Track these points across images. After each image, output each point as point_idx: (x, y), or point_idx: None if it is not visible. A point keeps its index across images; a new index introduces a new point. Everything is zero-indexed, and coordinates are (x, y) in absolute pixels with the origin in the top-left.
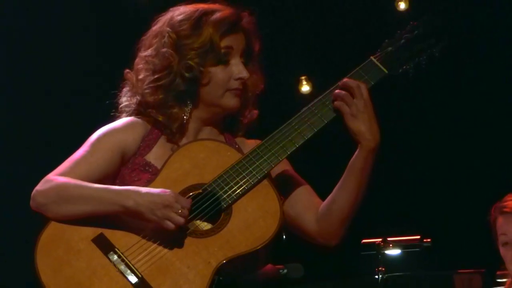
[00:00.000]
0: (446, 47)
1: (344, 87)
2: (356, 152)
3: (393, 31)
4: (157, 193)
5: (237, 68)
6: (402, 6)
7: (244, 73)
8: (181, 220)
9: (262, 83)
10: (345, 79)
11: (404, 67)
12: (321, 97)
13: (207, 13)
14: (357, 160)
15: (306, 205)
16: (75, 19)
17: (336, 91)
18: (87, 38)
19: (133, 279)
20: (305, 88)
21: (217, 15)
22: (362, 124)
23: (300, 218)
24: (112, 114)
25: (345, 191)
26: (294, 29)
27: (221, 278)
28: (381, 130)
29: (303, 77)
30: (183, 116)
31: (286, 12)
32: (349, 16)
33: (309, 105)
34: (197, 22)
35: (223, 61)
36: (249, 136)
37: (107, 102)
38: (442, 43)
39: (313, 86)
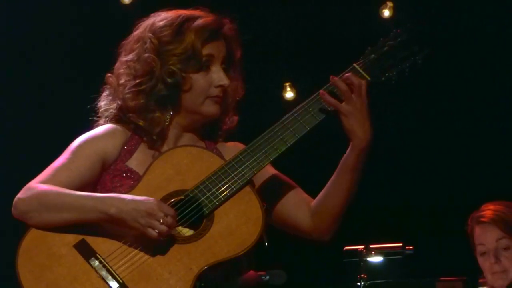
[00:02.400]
0: (429, 55)
1: (346, 82)
2: (348, 150)
3: (377, 39)
4: (140, 201)
5: (217, 76)
6: (386, 13)
7: (225, 81)
8: (164, 228)
9: (242, 90)
10: (347, 74)
11: (387, 74)
12: (304, 103)
13: (189, 20)
14: (349, 158)
15: (296, 203)
16: (56, 24)
17: (337, 82)
18: (68, 42)
19: (114, 284)
20: (289, 94)
21: (199, 22)
22: (356, 122)
23: (293, 216)
24: (91, 118)
25: (337, 188)
26: (278, 36)
27: (202, 284)
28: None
29: (287, 84)
30: (165, 121)
31: (270, 19)
32: (333, 23)
33: (292, 112)
34: (179, 28)
35: (204, 68)
36: (229, 139)
37: (88, 107)
38: (425, 51)
39: (297, 93)
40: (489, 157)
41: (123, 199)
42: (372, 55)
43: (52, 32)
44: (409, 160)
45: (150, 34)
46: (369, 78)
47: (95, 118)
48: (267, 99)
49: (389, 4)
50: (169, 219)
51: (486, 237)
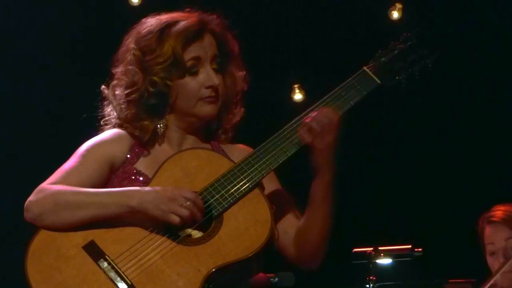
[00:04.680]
0: (439, 58)
1: (316, 121)
2: (315, 185)
3: (386, 40)
4: (160, 189)
5: (206, 76)
6: (395, 15)
7: (214, 81)
8: (186, 213)
9: (245, 82)
10: (314, 113)
11: (397, 77)
12: (313, 106)
13: (169, 25)
14: (319, 191)
15: (285, 228)
16: (64, 27)
17: (308, 121)
18: (75, 45)
19: (122, 286)
20: (298, 96)
21: (179, 26)
22: (327, 158)
23: (281, 242)
24: (97, 125)
25: (313, 221)
26: (288, 38)
27: (211, 286)
28: (373, 139)
29: (296, 86)
30: (155, 128)
31: (279, 21)
32: (342, 25)
33: (301, 115)
34: (160, 35)
35: (192, 71)
36: (238, 141)
37: (84, 116)
38: (435, 54)
39: (306, 95)
40: (498, 159)
41: (142, 190)
42: (382, 59)
43: (59, 35)
44: (418, 163)
45: (133, 45)
46: (379, 81)
47: (101, 124)
48: (276, 101)
49: (398, 5)
50: (191, 204)
51: (496, 237)
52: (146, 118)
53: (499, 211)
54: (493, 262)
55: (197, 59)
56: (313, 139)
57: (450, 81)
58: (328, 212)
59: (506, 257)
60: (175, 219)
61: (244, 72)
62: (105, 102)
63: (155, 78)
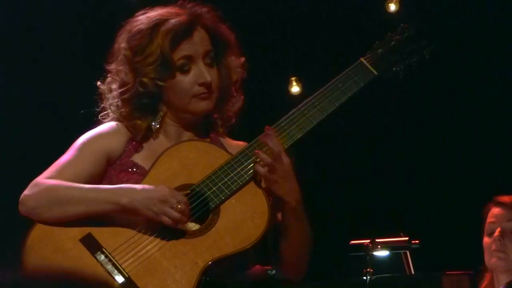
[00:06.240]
0: (436, 49)
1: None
2: (283, 212)
3: (383, 33)
4: (152, 189)
5: (198, 73)
6: (392, 7)
7: (206, 78)
8: (177, 215)
9: (243, 69)
10: (259, 152)
11: (394, 69)
12: (311, 97)
13: (158, 24)
14: (286, 219)
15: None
16: (61, 23)
17: (260, 154)
18: (71, 40)
19: (119, 279)
20: (295, 89)
21: (167, 26)
22: (282, 189)
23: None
24: (96, 119)
25: (289, 245)
26: (285, 30)
27: (208, 278)
28: (369, 132)
29: (293, 78)
30: (149, 125)
31: (276, 13)
32: (339, 17)
33: (299, 106)
34: (149, 36)
35: (183, 70)
36: (237, 137)
37: (82, 111)
38: (433, 45)
39: (303, 87)
40: (496, 152)
41: (135, 189)
42: (379, 50)
43: (57, 29)
44: (415, 155)
45: (123, 45)
46: (376, 73)
47: (99, 119)
48: (273, 94)
49: None
50: (182, 206)
51: (499, 216)
52: (139, 117)
53: (509, 196)
54: (487, 241)
55: (188, 58)
56: (266, 173)
57: (447, 72)
58: (301, 232)
59: (502, 236)
60: (167, 220)
61: (243, 59)
62: (102, 97)
63: (144, 79)
